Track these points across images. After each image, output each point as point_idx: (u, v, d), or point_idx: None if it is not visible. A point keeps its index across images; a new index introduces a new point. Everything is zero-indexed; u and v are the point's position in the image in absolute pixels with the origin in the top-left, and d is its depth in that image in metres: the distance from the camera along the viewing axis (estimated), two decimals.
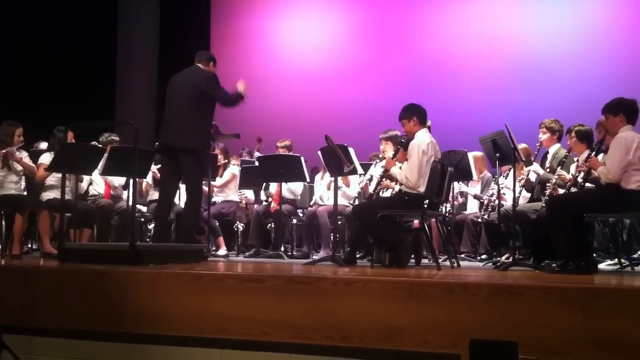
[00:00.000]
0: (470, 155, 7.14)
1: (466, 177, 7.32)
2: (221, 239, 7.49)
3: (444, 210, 6.41)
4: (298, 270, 4.78)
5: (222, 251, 7.36)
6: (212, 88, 5.98)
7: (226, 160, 8.01)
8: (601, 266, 5.62)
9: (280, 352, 3.57)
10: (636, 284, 3.95)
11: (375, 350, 3.42)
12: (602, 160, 5.20)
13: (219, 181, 7.82)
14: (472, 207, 7.80)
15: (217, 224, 7.56)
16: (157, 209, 6.21)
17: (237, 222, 8.03)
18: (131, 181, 5.96)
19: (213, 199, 7.55)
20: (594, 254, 5.58)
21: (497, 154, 5.98)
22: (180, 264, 4.76)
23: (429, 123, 5.90)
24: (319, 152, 6.55)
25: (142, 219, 7.61)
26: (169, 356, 3.83)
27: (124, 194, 7.35)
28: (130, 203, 5.96)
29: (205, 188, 6.98)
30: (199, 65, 6.18)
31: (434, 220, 6.41)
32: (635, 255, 6.20)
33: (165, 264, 4.54)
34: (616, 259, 5.87)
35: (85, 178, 7.00)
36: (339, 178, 6.57)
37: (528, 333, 3.17)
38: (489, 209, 7.02)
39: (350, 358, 3.47)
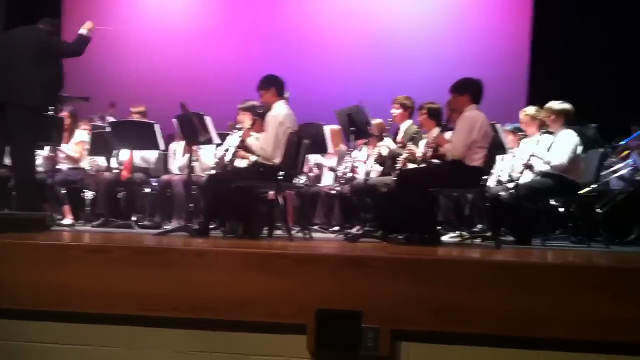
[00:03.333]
0: (327, 128, 7.21)
1: (322, 149, 7.37)
2: (67, 207, 7.11)
3: (299, 182, 6.46)
4: (148, 241, 4.66)
5: (68, 220, 7.01)
6: (53, 41, 5.61)
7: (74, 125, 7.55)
8: (444, 238, 5.92)
9: (125, 325, 3.47)
10: (475, 255, 4.18)
11: (224, 321, 3.40)
12: (449, 137, 5.44)
13: (68, 149, 7.38)
14: (327, 179, 7.93)
15: (64, 191, 7.17)
16: None
17: (86, 190, 7.66)
18: None
19: (59, 166, 7.14)
20: (439, 227, 5.86)
21: (352, 128, 6.08)
22: (19, 233, 4.47)
23: (287, 94, 5.89)
24: (174, 120, 6.38)
25: None
26: (5, 330, 3.62)
27: None
28: None
29: (51, 153, 6.58)
30: (40, 26, 5.77)
31: (289, 191, 6.45)
32: (475, 229, 6.58)
33: (1, 233, 4.24)
34: (458, 232, 6.21)
35: None
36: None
37: (373, 302, 3.26)
38: (343, 182, 7.17)
39: (201, 330, 3.43)
